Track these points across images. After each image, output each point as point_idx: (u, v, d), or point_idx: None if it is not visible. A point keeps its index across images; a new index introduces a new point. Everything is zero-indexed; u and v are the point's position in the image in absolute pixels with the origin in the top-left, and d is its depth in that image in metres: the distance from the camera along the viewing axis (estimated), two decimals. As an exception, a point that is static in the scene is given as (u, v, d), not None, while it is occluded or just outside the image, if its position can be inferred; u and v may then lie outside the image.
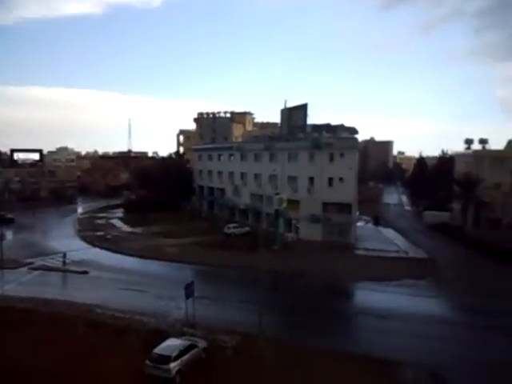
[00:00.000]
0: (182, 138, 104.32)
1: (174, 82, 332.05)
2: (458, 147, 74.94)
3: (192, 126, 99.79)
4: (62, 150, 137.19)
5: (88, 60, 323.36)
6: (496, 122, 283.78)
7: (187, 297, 24.42)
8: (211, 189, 75.84)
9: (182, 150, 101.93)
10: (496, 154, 64.55)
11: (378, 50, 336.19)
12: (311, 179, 53.38)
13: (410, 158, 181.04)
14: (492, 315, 28.86)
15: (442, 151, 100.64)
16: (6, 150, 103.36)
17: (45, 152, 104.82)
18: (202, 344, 21.66)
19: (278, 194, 51.86)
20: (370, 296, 33.14)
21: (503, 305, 31.36)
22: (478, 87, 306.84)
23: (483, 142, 68.19)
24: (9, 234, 53.16)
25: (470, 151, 68.43)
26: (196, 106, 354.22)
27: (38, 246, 49.35)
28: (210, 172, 76.21)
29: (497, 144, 70.10)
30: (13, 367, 20.19)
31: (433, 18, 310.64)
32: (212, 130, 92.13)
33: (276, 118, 72.92)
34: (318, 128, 60.00)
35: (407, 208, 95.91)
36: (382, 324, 26.61)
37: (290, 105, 60.12)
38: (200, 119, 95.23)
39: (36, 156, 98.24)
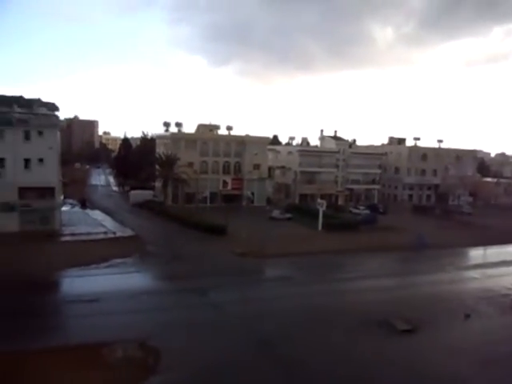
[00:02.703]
0: None
1: None
2: (159, 129, 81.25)
3: None
4: None
5: None
6: (188, 107, 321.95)
7: None
8: None
9: None
10: (189, 137, 73.92)
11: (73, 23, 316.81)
12: (1, 160, 45.78)
13: (115, 139, 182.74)
14: (189, 279, 33.50)
15: (143, 133, 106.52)
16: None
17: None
18: None
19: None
20: (77, 283, 31.94)
21: (197, 268, 36.94)
22: (174, 76, 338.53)
23: (178, 125, 76.25)
24: None
25: (168, 133, 75.31)
26: None
27: None
28: None
29: (190, 127, 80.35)
30: None
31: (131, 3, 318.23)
32: None
33: None
34: (6, 100, 51.63)
35: (114, 189, 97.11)
36: (92, 308, 26.37)
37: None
38: None
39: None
